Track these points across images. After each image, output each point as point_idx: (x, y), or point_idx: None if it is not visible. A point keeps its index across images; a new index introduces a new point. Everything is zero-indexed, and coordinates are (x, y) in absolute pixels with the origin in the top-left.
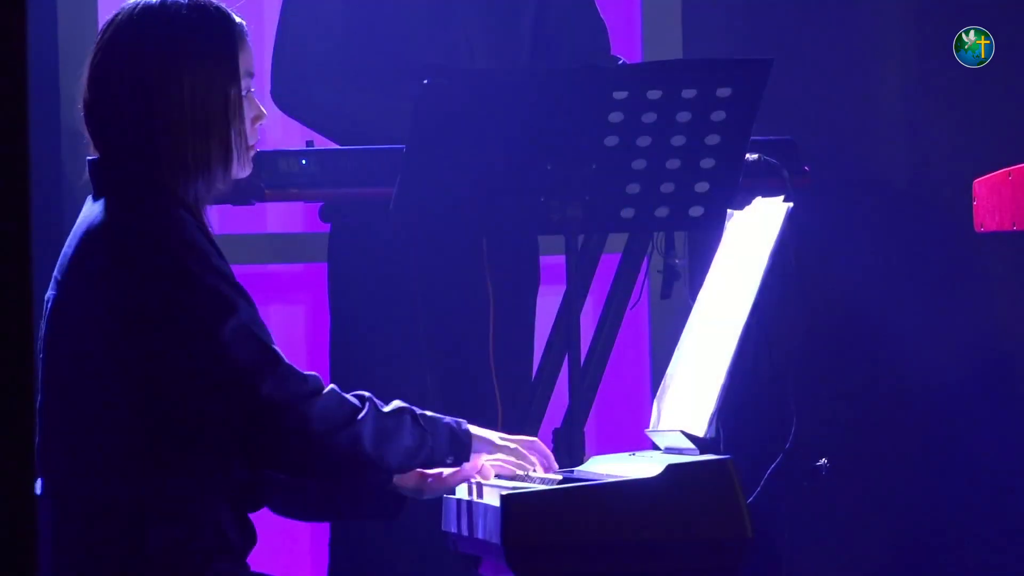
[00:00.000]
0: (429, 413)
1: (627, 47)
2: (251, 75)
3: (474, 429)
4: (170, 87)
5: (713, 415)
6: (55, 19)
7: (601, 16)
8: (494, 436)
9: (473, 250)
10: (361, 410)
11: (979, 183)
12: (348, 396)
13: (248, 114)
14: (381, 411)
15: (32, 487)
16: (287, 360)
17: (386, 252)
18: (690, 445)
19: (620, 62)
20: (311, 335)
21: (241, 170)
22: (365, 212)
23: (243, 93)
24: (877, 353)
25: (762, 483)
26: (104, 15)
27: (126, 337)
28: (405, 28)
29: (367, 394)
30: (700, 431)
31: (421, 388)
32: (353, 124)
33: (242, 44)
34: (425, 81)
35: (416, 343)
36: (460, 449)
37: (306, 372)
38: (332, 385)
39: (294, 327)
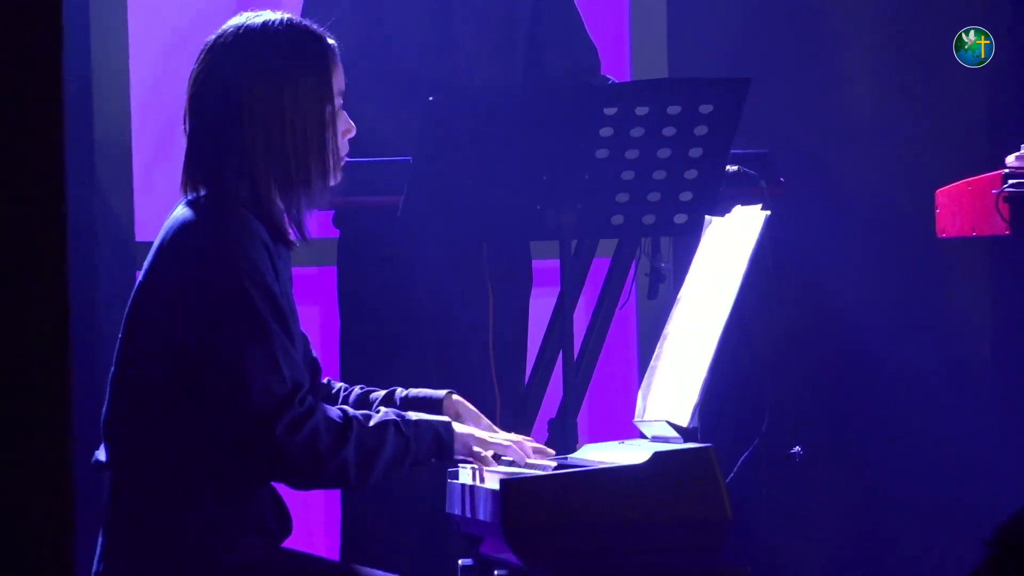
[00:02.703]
0: (415, 417)
1: (616, 67)
2: (342, 93)
3: (457, 429)
4: (271, 107)
5: (696, 406)
6: (88, 44)
7: (591, 38)
8: (472, 437)
9: (474, 254)
10: (347, 431)
11: (941, 193)
12: (335, 417)
13: (340, 128)
14: (366, 427)
15: (69, 463)
16: (301, 385)
17: (392, 257)
18: (674, 434)
19: (609, 81)
20: (325, 333)
21: (334, 180)
22: (373, 220)
23: (336, 108)
24: (848, 349)
25: (736, 467)
26: (135, 34)
27: (178, 331)
28: (411, 49)
29: (352, 411)
30: (684, 421)
31: (425, 384)
32: (363, 138)
33: (335, 64)
34: (431, 98)
35: (421, 340)
36: (443, 449)
37: (306, 396)
38: (322, 406)
39: (310, 326)
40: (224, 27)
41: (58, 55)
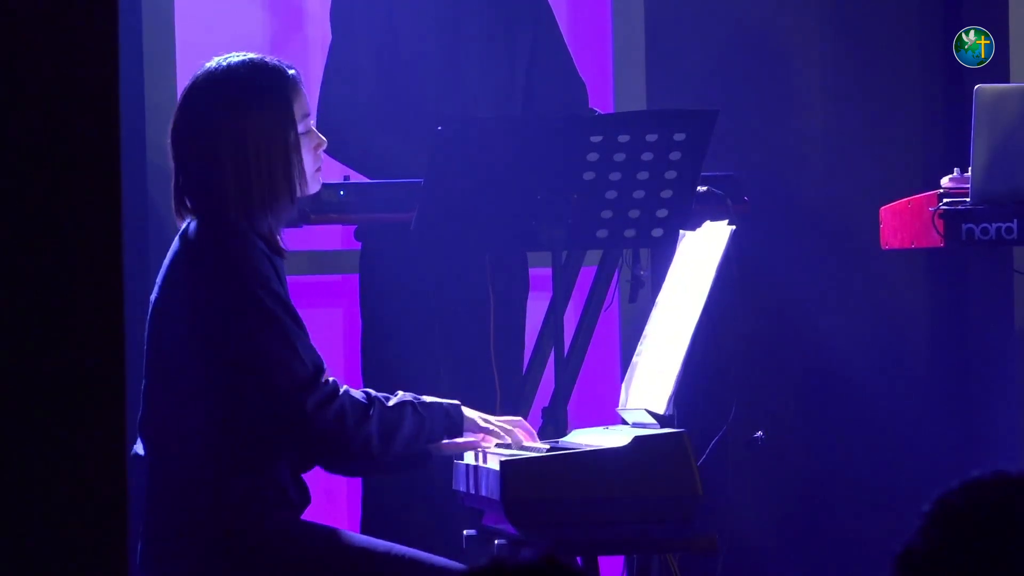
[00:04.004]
0: (428, 399)
1: (601, 99)
2: (307, 115)
3: (466, 411)
4: (239, 140)
5: (671, 396)
6: (142, 82)
7: (580, 75)
8: (477, 417)
9: (478, 262)
10: (370, 409)
11: (884, 210)
12: (359, 397)
13: (310, 144)
14: (386, 407)
15: (123, 453)
16: (321, 368)
17: (407, 266)
18: (652, 421)
19: (596, 113)
20: (347, 334)
21: (307, 191)
22: (390, 233)
23: (302, 132)
24: (803, 346)
25: (708, 450)
26: (183, 73)
27: (202, 340)
28: (422, 84)
29: (373, 393)
30: (660, 409)
31: (435, 376)
32: (381, 162)
33: (296, 92)
34: (440, 128)
35: (431, 339)
36: (453, 427)
37: (328, 378)
38: (345, 387)
39: (333, 328)
40: (196, 73)
41: (115, 92)
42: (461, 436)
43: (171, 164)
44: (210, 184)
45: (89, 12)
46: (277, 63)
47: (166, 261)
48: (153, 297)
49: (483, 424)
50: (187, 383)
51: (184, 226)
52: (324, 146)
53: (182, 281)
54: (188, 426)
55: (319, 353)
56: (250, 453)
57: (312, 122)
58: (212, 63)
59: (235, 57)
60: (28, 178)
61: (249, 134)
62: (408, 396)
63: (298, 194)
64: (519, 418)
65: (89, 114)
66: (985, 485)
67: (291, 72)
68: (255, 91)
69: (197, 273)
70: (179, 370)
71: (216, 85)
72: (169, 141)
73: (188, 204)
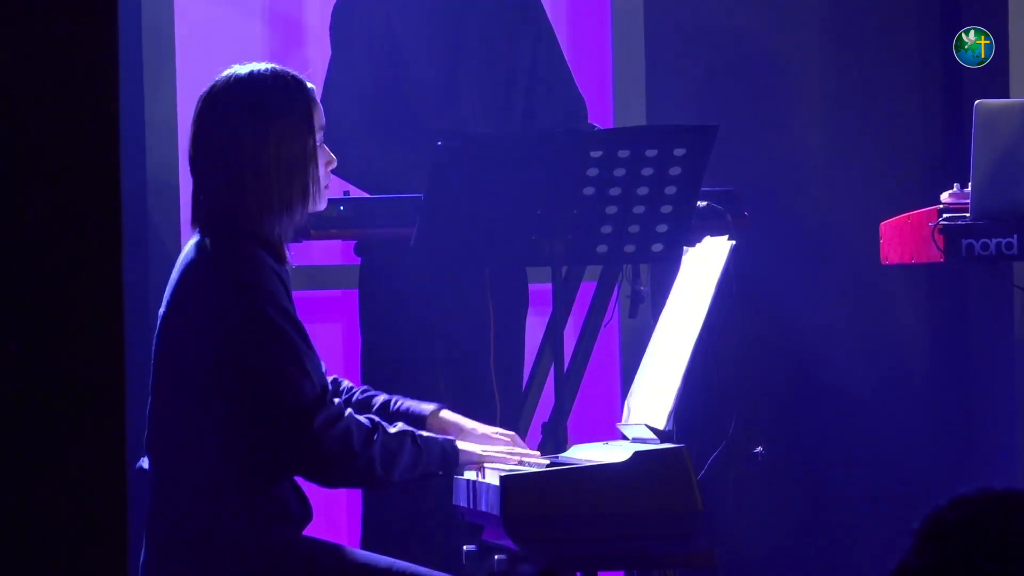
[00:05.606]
0: (426, 434)
1: (601, 115)
2: (322, 128)
3: (461, 445)
4: (260, 143)
5: (671, 412)
6: (142, 99)
7: (580, 90)
8: (477, 449)
9: (478, 278)
10: (375, 433)
11: (884, 225)
12: (364, 422)
13: (321, 160)
14: (388, 433)
15: (123, 464)
16: (327, 386)
17: (406, 281)
18: (652, 436)
19: (595, 128)
20: (346, 350)
21: (316, 206)
22: (390, 249)
23: (318, 143)
24: (803, 361)
25: (707, 466)
26: (183, 89)
27: (210, 356)
28: (422, 100)
29: (377, 419)
30: (660, 424)
31: (435, 392)
32: (381, 177)
33: (314, 104)
34: (439, 143)
35: (431, 355)
36: (449, 464)
37: (334, 398)
38: (350, 410)
39: (333, 342)
40: (216, 79)
41: (115, 110)
42: (456, 471)
43: (189, 174)
44: (228, 187)
45: (89, 28)
46: (296, 73)
47: (175, 275)
48: (161, 312)
49: (482, 455)
50: (194, 397)
51: (194, 240)
52: (334, 164)
53: (191, 296)
54: (193, 440)
55: (324, 373)
56: (255, 469)
57: (322, 137)
58: (231, 70)
59: (256, 65)
60: (27, 192)
61: (271, 137)
62: (407, 427)
63: (311, 205)
64: (511, 434)
65: (89, 129)
66: (975, 501)
67: (310, 85)
68: (278, 95)
69: (207, 289)
70: (186, 385)
71: (238, 89)
72: (188, 145)
73: (206, 213)
